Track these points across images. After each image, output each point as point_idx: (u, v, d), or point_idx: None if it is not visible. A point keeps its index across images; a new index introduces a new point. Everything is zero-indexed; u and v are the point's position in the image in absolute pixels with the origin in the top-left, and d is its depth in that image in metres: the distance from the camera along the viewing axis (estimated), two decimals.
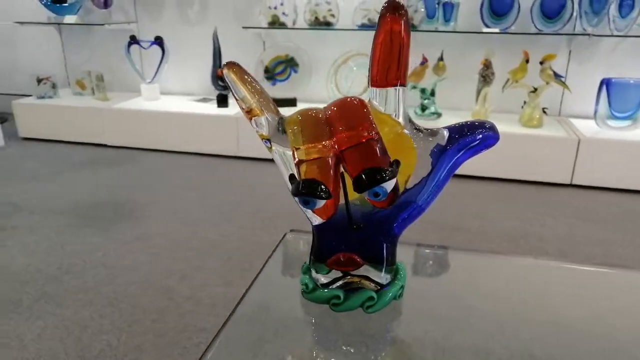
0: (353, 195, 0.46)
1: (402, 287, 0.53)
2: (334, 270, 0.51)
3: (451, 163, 0.48)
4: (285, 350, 0.50)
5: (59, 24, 3.08)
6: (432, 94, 2.44)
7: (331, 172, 0.42)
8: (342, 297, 0.50)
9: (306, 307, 0.54)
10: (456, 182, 2.30)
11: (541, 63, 2.30)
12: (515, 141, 2.28)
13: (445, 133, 0.47)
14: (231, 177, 2.38)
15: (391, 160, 0.43)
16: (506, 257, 0.74)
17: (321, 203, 0.43)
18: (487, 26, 2.41)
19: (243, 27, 2.72)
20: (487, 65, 2.36)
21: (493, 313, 0.56)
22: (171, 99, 2.98)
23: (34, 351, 1.20)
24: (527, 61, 2.31)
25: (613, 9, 2.28)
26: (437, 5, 2.40)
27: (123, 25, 3.01)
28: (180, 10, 2.97)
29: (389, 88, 0.45)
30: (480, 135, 0.46)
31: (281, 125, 0.46)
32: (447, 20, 2.40)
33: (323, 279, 0.52)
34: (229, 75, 0.48)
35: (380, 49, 0.45)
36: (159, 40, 2.87)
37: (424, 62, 2.39)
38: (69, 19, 2.98)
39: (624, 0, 2.25)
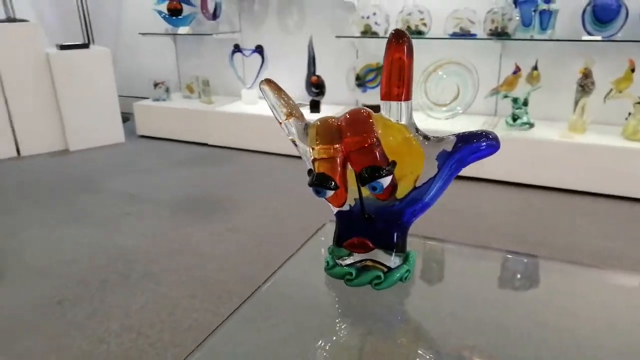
0: (368, 192, 0.55)
1: (409, 270, 0.60)
2: (355, 254, 0.60)
3: (455, 166, 0.53)
4: (300, 319, 0.59)
5: (174, 34, 3.42)
6: (525, 103, 2.37)
7: (339, 169, 0.52)
8: (354, 274, 0.59)
9: (330, 285, 0.63)
10: (545, 195, 2.23)
11: None
12: (617, 155, 2.15)
13: (452, 139, 0.53)
14: None
15: (389, 161, 0.51)
16: (601, 271, 0.70)
17: (329, 193, 0.53)
18: (589, 34, 2.30)
19: (336, 37, 2.84)
20: (587, 74, 2.25)
21: (570, 330, 0.53)
22: None
23: (136, 320, 1.39)
24: (633, 70, 2.16)
25: None
26: (533, 13, 2.33)
27: (228, 35, 3.27)
28: (279, 20, 3.16)
29: (392, 102, 0.53)
30: (484, 144, 0.52)
31: (306, 129, 0.56)
32: (543, 28, 2.32)
33: (344, 261, 0.61)
34: (266, 89, 0.59)
35: (387, 70, 0.53)
36: (259, 49, 3.08)
37: (517, 71, 2.33)
38: (183, 30, 3.30)
39: None
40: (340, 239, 0.61)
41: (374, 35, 2.73)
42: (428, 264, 0.72)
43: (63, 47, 3.04)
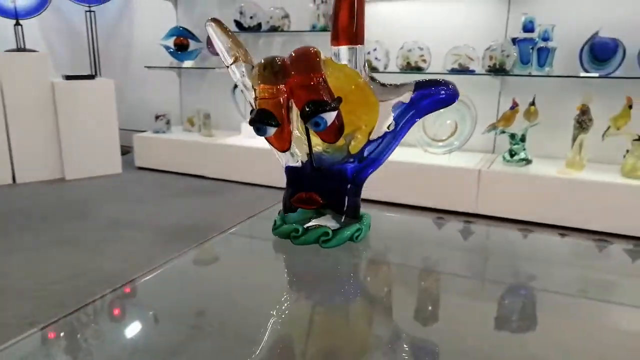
0: (323, 146, 0.52)
1: (360, 229, 0.56)
2: (306, 219, 0.57)
3: (412, 115, 0.51)
4: (248, 267, 0.62)
5: (179, 68, 3.48)
6: (523, 139, 2.35)
7: (282, 109, 0.49)
8: (300, 230, 0.56)
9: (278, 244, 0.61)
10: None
11: None
12: (615, 192, 2.10)
13: (411, 86, 0.50)
14: None
15: (334, 97, 0.48)
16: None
17: (271, 131, 0.49)
18: (586, 71, 2.29)
19: None
20: (584, 111, 2.23)
21: None
22: None
23: None
24: (630, 107, 2.14)
25: None
26: (531, 50, 2.35)
27: None
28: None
29: (341, 47, 0.51)
30: (443, 92, 0.49)
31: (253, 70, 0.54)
32: (541, 65, 2.33)
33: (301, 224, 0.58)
34: (213, 31, 0.56)
35: (336, 11, 0.51)
36: None
37: (514, 106, 2.32)
38: (187, 63, 3.36)
39: None
40: (289, 199, 0.58)
41: (374, 70, 2.75)
42: None
43: (68, 77, 3.09)
